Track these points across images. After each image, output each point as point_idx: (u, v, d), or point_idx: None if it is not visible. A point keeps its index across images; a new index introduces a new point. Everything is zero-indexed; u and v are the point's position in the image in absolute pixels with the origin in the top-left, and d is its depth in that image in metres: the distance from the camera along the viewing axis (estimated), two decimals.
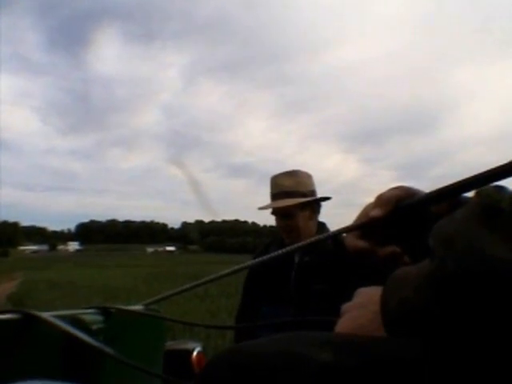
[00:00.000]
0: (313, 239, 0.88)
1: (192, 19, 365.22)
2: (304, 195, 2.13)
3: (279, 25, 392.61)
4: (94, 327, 0.99)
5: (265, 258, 0.96)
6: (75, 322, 0.96)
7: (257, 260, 1.00)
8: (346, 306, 0.65)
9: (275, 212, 2.18)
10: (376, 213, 0.72)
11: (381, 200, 0.73)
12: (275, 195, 2.16)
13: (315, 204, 2.22)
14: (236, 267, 1.11)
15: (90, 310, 1.06)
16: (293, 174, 2.18)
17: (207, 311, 10.98)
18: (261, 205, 2.18)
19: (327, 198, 2.24)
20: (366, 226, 0.74)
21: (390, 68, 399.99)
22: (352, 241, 0.78)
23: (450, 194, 0.66)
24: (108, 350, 0.81)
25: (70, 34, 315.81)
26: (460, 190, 0.65)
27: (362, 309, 0.61)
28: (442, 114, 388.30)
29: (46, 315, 0.87)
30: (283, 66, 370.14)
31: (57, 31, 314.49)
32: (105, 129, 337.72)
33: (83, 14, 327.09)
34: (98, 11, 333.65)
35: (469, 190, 0.64)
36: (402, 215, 0.71)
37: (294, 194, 2.13)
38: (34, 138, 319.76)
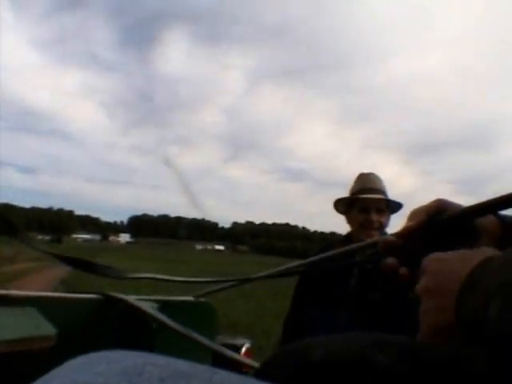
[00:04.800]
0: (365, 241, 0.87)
1: (259, 24, 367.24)
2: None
3: (345, 33, 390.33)
4: None
5: (329, 254, 0.94)
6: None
7: (318, 257, 0.99)
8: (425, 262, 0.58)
9: (368, 205, 2.13)
10: (408, 225, 0.70)
11: (413, 212, 0.71)
12: (369, 190, 2.15)
13: (391, 210, 2.21)
14: (291, 265, 1.10)
15: (148, 297, 1.09)
16: (379, 177, 2.22)
17: (252, 312, 10.94)
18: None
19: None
20: (399, 236, 0.72)
21: (455, 81, 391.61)
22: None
23: (487, 210, 0.64)
24: (195, 334, 0.85)
25: (138, 34, 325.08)
26: (497, 207, 0.63)
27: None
28: (505, 129, 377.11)
29: (130, 299, 0.94)
30: (346, 74, 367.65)
31: (127, 31, 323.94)
32: (165, 126, 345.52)
33: (152, 15, 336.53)
34: (167, 13, 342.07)
35: (507, 208, 0.62)
36: (434, 228, 0.69)
37: (384, 194, 2.16)
38: (97, 131, 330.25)
